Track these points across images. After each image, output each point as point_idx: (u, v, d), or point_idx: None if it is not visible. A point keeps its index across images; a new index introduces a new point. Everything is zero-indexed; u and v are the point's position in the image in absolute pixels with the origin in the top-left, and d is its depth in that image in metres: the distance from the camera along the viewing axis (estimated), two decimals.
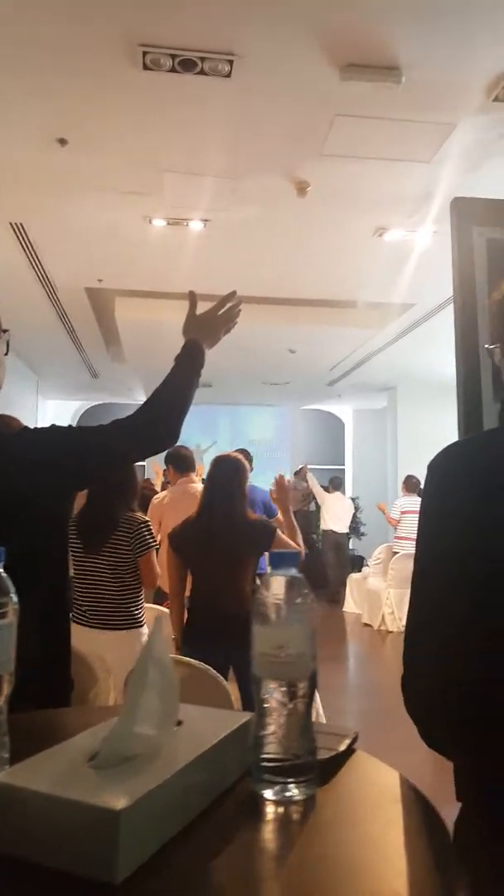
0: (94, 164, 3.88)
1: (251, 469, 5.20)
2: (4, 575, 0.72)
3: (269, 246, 5.02)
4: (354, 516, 9.54)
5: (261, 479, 5.04)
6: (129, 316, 6.28)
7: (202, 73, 3.06)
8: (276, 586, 0.72)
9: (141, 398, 10.57)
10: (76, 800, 0.56)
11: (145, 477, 6.39)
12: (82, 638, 2.80)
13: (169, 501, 4.24)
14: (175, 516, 3.62)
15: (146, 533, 2.86)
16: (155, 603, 3.44)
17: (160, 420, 1.50)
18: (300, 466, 10.94)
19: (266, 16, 2.73)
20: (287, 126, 3.52)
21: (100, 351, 8.06)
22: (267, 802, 0.68)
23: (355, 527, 9.02)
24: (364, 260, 5.23)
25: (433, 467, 0.94)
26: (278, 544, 2.70)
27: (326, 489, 9.24)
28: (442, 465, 0.94)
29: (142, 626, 2.86)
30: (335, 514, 8.76)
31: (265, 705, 0.70)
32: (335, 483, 9.07)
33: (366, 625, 7.35)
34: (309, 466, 11.10)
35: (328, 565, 8.79)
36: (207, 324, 1.65)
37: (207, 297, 1.67)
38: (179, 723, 0.74)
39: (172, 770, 0.62)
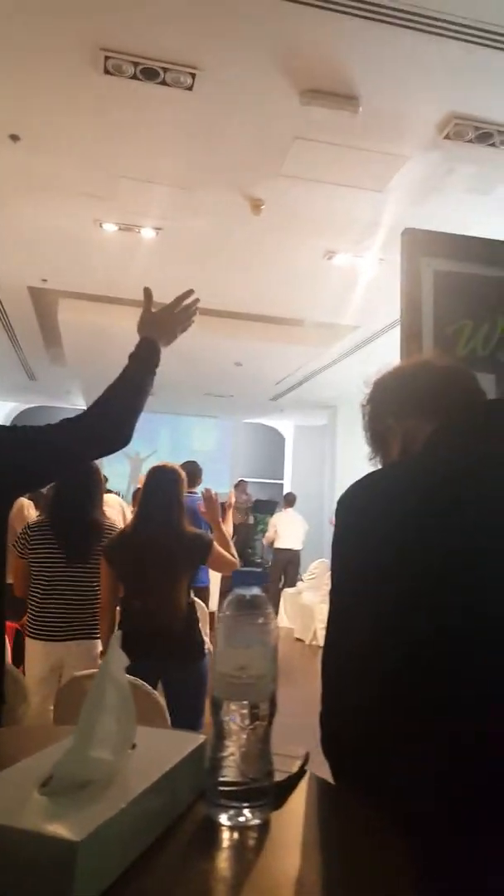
0: (47, 163, 3.80)
1: (200, 481, 5.16)
2: None
3: (221, 259, 5.02)
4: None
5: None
6: (72, 318, 6.15)
7: (164, 83, 3.05)
8: (239, 605, 0.72)
9: (79, 402, 10.36)
10: (32, 830, 0.53)
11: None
12: (42, 652, 2.68)
13: None
14: None
15: None
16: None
17: (113, 419, 1.45)
18: (238, 480, 10.97)
19: (231, 34, 2.75)
20: (245, 144, 3.54)
21: (38, 352, 7.86)
22: (222, 828, 0.67)
23: None
24: (313, 280, 5.31)
25: (345, 504, 0.93)
26: (215, 557, 2.66)
27: (278, 506, 9.24)
28: (356, 499, 0.93)
29: (97, 635, 2.80)
30: (288, 532, 8.79)
31: (225, 727, 0.69)
32: (289, 499, 9.08)
33: (297, 639, 7.39)
34: (247, 480, 11.14)
35: (271, 581, 8.79)
36: (163, 322, 1.61)
37: (157, 305, 1.65)
38: (133, 746, 0.72)
39: (130, 797, 0.60)
